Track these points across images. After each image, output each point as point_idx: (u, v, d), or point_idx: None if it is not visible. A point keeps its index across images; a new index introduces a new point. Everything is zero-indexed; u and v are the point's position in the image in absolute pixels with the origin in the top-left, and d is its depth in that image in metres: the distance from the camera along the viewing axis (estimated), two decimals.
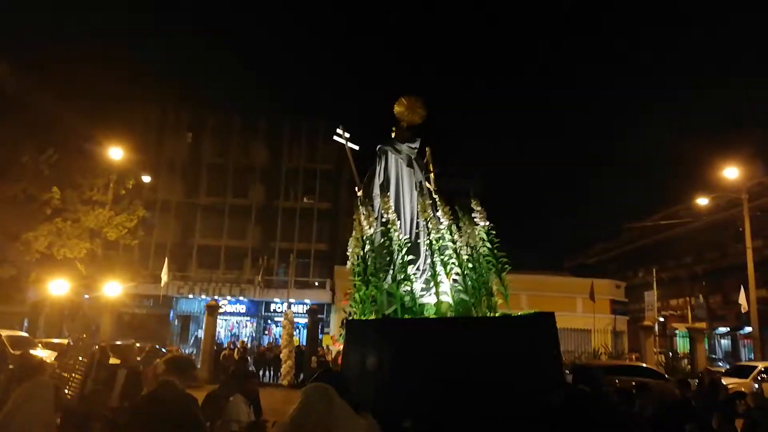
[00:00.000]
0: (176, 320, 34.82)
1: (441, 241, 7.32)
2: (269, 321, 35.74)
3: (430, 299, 7.42)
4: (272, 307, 34.91)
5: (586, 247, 58.27)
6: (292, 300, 29.43)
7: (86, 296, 27.76)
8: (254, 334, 34.81)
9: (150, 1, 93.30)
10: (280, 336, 26.97)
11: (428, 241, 7.52)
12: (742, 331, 34.34)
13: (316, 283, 35.03)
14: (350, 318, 7.27)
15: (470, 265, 7.20)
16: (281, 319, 26.92)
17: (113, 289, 23.51)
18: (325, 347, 25.52)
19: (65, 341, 15.78)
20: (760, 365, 18.72)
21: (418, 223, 8.02)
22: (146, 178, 29.15)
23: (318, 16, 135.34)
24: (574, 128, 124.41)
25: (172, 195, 36.06)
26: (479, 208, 7.49)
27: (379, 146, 8.66)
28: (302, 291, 33.33)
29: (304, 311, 30.00)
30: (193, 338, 33.29)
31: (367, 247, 7.30)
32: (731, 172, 24.26)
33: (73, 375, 8.15)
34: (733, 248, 32.84)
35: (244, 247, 36.35)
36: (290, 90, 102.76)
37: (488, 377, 5.87)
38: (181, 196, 36.56)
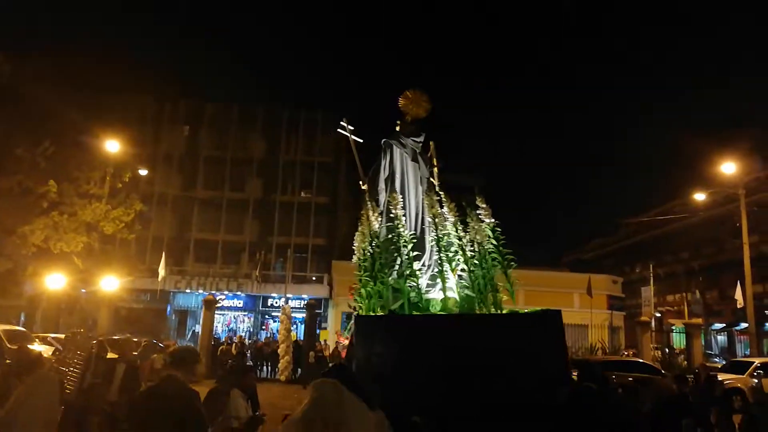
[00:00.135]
0: (173, 315, 34.75)
1: (447, 237, 7.29)
2: (267, 316, 35.70)
3: (435, 295, 7.40)
4: (270, 301, 34.86)
5: (584, 242, 58.44)
6: (289, 295, 29.38)
7: (83, 290, 27.71)
8: (252, 329, 34.77)
9: (150, 1, 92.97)
10: (277, 331, 26.94)
11: (435, 237, 7.50)
12: (738, 327, 34.47)
13: (314, 278, 34.97)
14: (357, 313, 7.24)
15: (476, 262, 7.19)
16: (279, 314, 26.90)
17: (110, 283, 23.42)
18: (323, 342, 25.52)
19: (61, 336, 15.73)
20: (757, 361, 18.77)
21: (423, 218, 8.00)
22: (143, 172, 29.03)
23: (318, 16, 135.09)
24: (574, 128, 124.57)
25: (169, 188, 35.90)
26: (485, 205, 7.47)
27: (384, 140, 8.61)
28: (300, 286, 33.28)
29: (302, 306, 29.98)
30: (190, 333, 33.22)
31: (375, 242, 7.27)
32: (728, 168, 24.24)
33: (71, 369, 8.12)
34: (730, 244, 32.95)
35: (242, 242, 36.27)
36: (290, 90, 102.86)
37: (495, 373, 5.91)
38: (178, 190, 36.42)
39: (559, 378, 6.06)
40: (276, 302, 33.78)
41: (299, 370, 22.57)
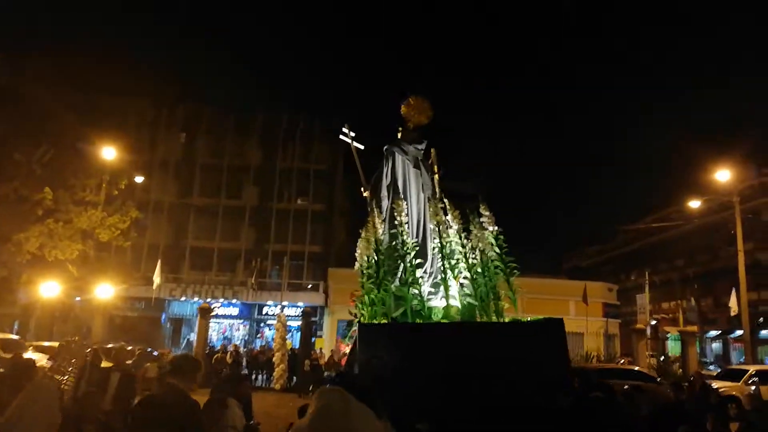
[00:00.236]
0: (168, 323, 34.52)
1: (450, 245, 7.31)
2: (262, 324, 35.52)
3: (437, 303, 7.41)
4: (265, 309, 34.68)
5: (581, 249, 58.56)
6: (285, 302, 29.29)
7: (78, 298, 27.52)
8: (247, 337, 34.59)
9: (150, 1, 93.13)
10: (272, 339, 26.83)
11: (438, 245, 7.50)
12: (733, 335, 34.57)
13: (310, 286, 34.86)
14: (359, 320, 7.22)
15: (479, 270, 7.21)
16: (274, 321, 26.79)
17: (105, 291, 23.29)
18: (318, 350, 25.42)
19: (55, 344, 15.60)
20: (752, 368, 18.83)
21: (425, 225, 8.00)
22: (139, 179, 28.95)
23: (318, 16, 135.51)
24: (573, 128, 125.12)
25: (165, 195, 35.77)
26: (488, 213, 7.48)
27: (386, 147, 8.61)
28: (295, 293, 33.17)
29: (298, 314, 29.87)
30: (185, 341, 33.04)
31: (381, 248, 7.28)
32: (723, 175, 24.38)
33: (66, 378, 8.07)
34: (725, 251, 33.08)
35: (238, 249, 36.15)
36: (290, 90, 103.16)
37: (499, 380, 5.93)
38: (175, 197, 36.30)
39: (562, 385, 6.10)
40: (271, 310, 33.63)
41: (294, 378, 22.46)
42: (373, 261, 7.24)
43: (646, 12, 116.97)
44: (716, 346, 39.18)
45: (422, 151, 8.62)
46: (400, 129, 8.79)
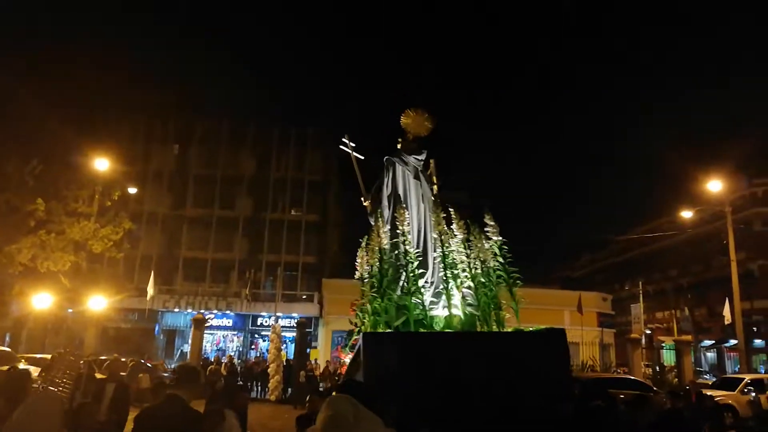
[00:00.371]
0: (162, 334, 34.26)
1: (453, 254, 7.35)
2: (256, 335, 35.32)
3: (439, 312, 7.43)
4: (259, 320, 34.51)
5: (573, 259, 58.72)
6: (279, 313, 29.15)
7: (70, 310, 27.26)
8: (241, 349, 34.37)
9: (150, 1, 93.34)
10: (267, 350, 26.67)
11: (440, 255, 7.54)
12: (727, 344, 34.70)
13: (304, 297, 34.72)
14: (360, 329, 7.22)
15: (481, 280, 7.24)
16: (268, 333, 26.64)
17: (98, 303, 23.09)
18: (313, 361, 25.29)
19: (47, 356, 15.43)
20: (747, 377, 18.89)
21: (425, 234, 8.03)
22: (132, 190, 28.84)
23: (318, 16, 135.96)
24: (573, 128, 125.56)
25: (158, 207, 35.59)
26: (492, 223, 7.53)
27: (386, 157, 8.68)
28: (290, 304, 33.01)
29: (292, 325, 29.72)
30: (178, 353, 32.77)
31: (385, 257, 7.30)
32: (715, 185, 24.60)
33: (60, 389, 7.96)
34: (718, 261, 33.33)
35: (231, 260, 35.97)
36: (290, 90, 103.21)
37: (502, 390, 5.97)
38: (168, 208, 36.13)
39: (564, 395, 6.16)
40: (266, 321, 33.46)
41: (289, 389, 22.32)
42: (377, 270, 7.26)
43: (646, 12, 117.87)
44: (711, 355, 39.32)
45: (422, 162, 8.70)
46: (400, 140, 8.87)
